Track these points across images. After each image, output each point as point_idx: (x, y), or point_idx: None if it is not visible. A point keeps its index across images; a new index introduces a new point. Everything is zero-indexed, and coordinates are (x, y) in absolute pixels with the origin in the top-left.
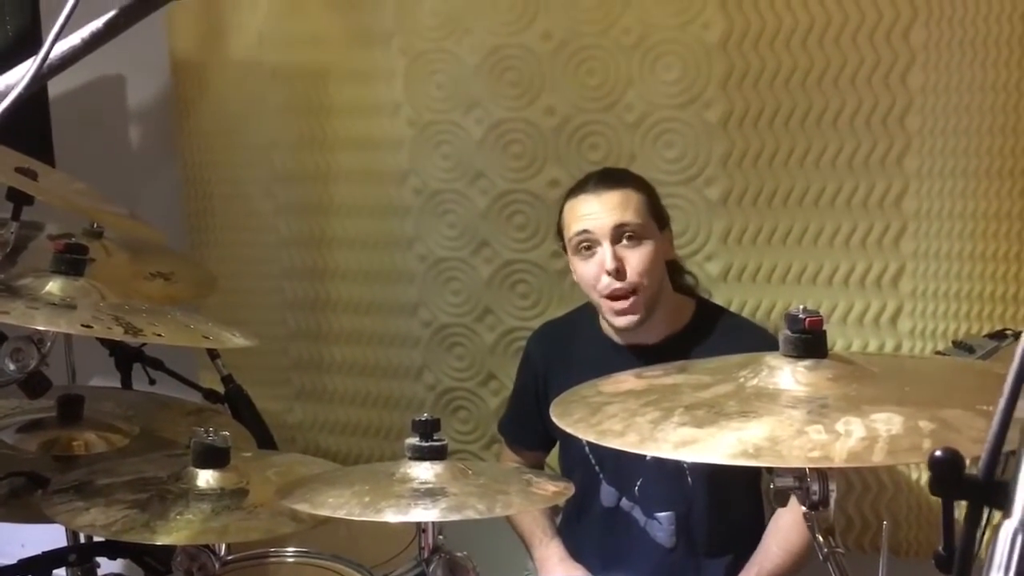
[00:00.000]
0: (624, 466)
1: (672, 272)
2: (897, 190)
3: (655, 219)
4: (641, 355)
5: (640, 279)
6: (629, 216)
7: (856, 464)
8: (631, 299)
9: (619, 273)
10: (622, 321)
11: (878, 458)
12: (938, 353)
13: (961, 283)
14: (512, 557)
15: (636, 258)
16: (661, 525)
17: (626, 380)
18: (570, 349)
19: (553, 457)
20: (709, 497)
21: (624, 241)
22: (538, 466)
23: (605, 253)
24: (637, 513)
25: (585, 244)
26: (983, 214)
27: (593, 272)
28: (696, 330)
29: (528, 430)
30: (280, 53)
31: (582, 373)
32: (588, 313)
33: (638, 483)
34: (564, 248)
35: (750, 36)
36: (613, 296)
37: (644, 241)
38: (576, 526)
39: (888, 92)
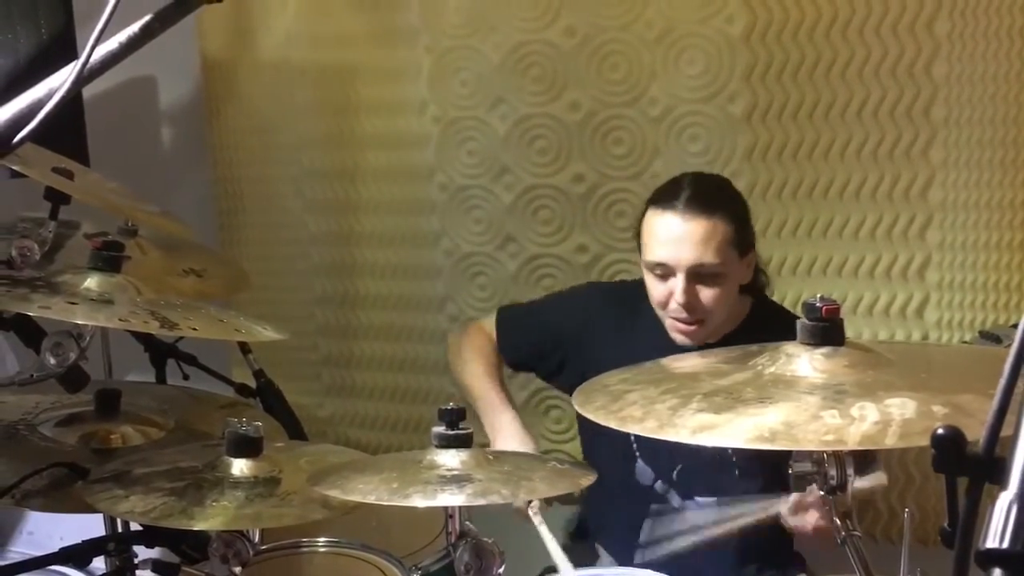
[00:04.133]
0: (662, 450)
1: None
2: (923, 181)
3: (738, 248)
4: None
5: (708, 314)
6: (710, 256)
7: (869, 447)
8: (694, 327)
9: (689, 307)
10: (680, 340)
11: (891, 441)
12: (964, 343)
13: (988, 273)
14: (539, 545)
15: (709, 295)
16: (699, 507)
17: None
18: (628, 325)
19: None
20: (752, 487)
21: (700, 280)
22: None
23: (678, 285)
24: (672, 496)
25: (659, 271)
26: (1010, 204)
27: (663, 294)
28: (750, 328)
29: (523, 348)
30: (308, 53)
31: (633, 354)
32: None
33: (677, 469)
34: (639, 247)
35: (773, 29)
36: (677, 320)
37: (720, 279)
38: (607, 499)
39: (913, 83)
